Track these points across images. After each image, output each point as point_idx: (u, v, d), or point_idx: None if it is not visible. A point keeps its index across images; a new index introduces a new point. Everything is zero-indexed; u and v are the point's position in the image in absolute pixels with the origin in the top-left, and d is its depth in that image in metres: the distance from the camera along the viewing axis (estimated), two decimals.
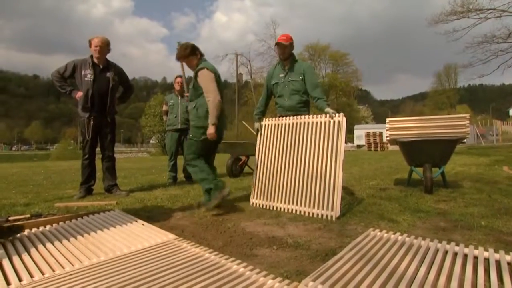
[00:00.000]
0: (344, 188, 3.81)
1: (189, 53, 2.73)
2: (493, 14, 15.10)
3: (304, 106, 3.02)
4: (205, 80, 2.61)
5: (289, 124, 2.88)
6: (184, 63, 2.93)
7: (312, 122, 2.74)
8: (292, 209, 2.61)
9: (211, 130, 2.55)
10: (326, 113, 2.70)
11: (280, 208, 2.68)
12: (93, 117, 3.38)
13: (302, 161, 2.68)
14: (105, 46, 3.40)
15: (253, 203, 2.91)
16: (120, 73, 3.60)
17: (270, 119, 3.05)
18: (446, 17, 15.82)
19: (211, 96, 2.56)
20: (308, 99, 3.04)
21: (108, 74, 3.44)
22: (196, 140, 2.74)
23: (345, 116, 2.64)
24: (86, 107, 3.34)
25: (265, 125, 3.06)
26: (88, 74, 3.32)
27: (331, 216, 2.34)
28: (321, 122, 2.69)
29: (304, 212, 2.51)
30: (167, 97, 4.56)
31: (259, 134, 3.09)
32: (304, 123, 2.79)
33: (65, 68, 3.34)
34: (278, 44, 2.96)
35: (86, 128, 3.37)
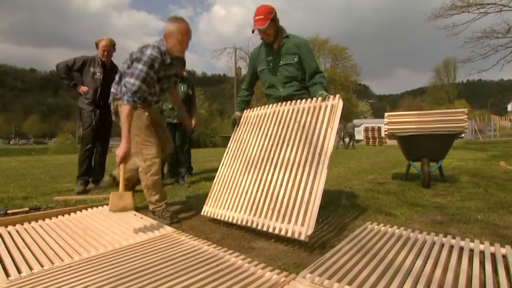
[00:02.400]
0: (342, 183, 3.83)
1: None
2: (493, 8, 15.01)
3: (306, 93, 2.31)
4: None
5: (268, 114, 2.29)
6: None
7: (298, 109, 2.13)
8: (250, 221, 1.89)
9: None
10: (318, 96, 2.07)
11: (235, 219, 1.98)
12: (99, 110, 3.47)
13: (275, 159, 2.04)
14: (112, 48, 3.55)
15: (205, 212, 2.24)
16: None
17: (248, 110, 2.53)
18: (446, 12, 15.71)
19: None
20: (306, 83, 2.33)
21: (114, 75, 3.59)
22: None
23: (336, 96, 2.00)
24: (95, 101, 3.43)
25: (242, 117, 2.52)
26: (97, 72, 3.44)
27: (300, 233, 1.63)
28: (309, 108, 2.07)
29: (263, 225, 1.82)
30: None
31: (235, 126, 2.51)
32: (288, 110, 2.18)
33: (74, 62, 3.43)
34: (257, 30, 2.18)
35: (92, 117, 3.43)
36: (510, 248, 1.54)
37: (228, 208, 2.09)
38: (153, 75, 1.98)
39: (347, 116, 31.43)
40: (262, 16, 2.14)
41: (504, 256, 1.48)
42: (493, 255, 1.49)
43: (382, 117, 4.14)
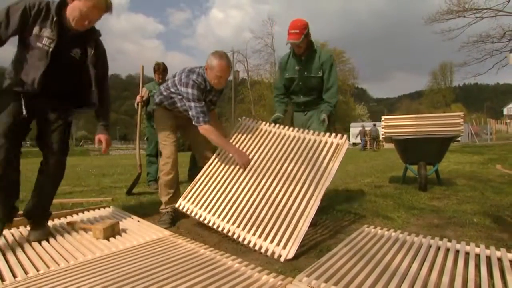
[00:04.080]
0: (339, 185, 3.84)
1: None
2: (488, 13, 15.19)
3: (322, 100, 2.45)
4: None
5: (274, 133, 2.28)
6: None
7: (304, 139, 2.14)
8: (230, 231, 1.82)
9: None
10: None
11: (215, 224, 1.91)
12: (33, 100, 1.71)
13: (271, 176, 1.99)
14: (101, 13, 1.76)
15: (180, 205, 2.16)
16: (102, 56, 1.92)
17: (250, 119, 2.48)
18: (442, 16, 15.89)
19: None
20: None
21: (79, 50, 1.80)
22: None
23: (343, 136, 2.03)
24: (23, 84, 1.67)
25: (242, 126, 2.43)
26: (45, 38, 1.66)
27: (279, 256, 1.57)
28: (314, 141, 2.10)
29: (244, 239, 1.74)
30: (149, 85, 3.77)
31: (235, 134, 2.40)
32: (294, 137, 2.19)
33: (6, 17, 1.59)
34: (291, 43, 2.30)
35: (17, 107, 1.66)
36: (505, 251, 1.55)
37: (208, 211, 2.00)
38: (200, 96, 2.16)
39: (345, 120, 31.64)
40: (298, 31, 2.24)
41: (499, 259, 1.48)
42: (488, 258, 1.50)
43: (379, 120, 4.16)
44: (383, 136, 4.00)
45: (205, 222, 1.97)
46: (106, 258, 1.54)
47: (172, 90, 2.23)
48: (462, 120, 3.59)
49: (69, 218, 2.25)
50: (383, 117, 4.07)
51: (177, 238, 1.84)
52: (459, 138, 3.97)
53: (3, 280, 1.34)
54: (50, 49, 1.68)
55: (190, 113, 2.11)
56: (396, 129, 3.90)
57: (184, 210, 2.13)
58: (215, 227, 1.90)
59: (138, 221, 2.19)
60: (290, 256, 1.57)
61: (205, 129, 2.11)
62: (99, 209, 2.49)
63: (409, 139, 3.58)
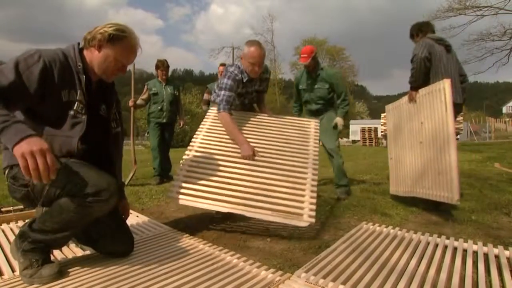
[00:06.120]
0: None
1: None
2: (489, 11, 15.11)
3: (330, 106, 3.17)
4: None
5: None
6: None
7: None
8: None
9: None
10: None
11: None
12: None
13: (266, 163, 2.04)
14: (135, 57, 1.46)
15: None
16: (120, 109, 1.63)
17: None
18: (443, 14, 15.78)
19: None
20: (333, 100, 3.18)
21: (104, 105, 1.48)
22: None
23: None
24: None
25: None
26: (76, 102, 1.29)
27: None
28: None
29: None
30: (149, 83, 3.95)
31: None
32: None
33: (17, 78, 1.13)
34: (302, 64, 3.06)
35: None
36: (502, 248, 1.56)
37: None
38: (236, 88, 2.18)
39: (345, 117, 31.61)
40: (306, 55, 2.97)
41: (497, 256, 1.49)
42: (486, 255, 1.51)
43: (379, 117, 4.16)
44: (382, 134, 4.00)
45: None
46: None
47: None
48: (461, 118, 3.60)
49: None
50: (383, 114, 4.07)
51: (176, 233, 1.84)
52: (458, 136, 3.99)
53: (1, 274, 1.34)
54: (84, 116, 1.30)
55: (218, 99, 2.14)
56: None
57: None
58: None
59: (137, 216, 2.19)
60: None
61: (222, 116, 2.12)
62: None
63: None
